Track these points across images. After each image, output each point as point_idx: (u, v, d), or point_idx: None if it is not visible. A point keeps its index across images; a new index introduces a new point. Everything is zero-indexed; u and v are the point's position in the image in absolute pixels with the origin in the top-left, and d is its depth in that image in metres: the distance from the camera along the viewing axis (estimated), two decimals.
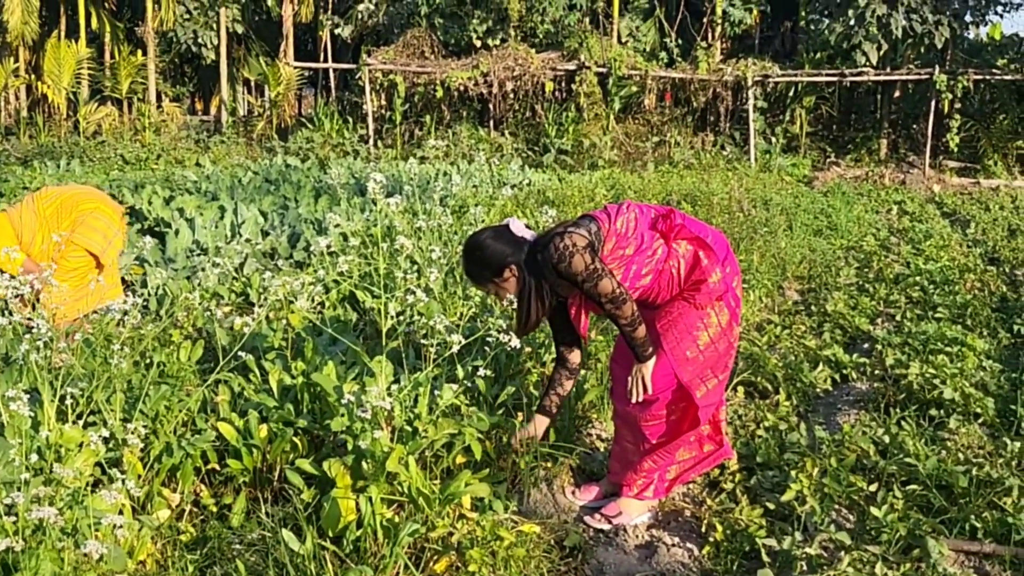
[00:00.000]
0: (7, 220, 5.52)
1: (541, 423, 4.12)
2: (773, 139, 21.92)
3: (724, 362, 3.90)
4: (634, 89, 22.74)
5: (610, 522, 4.00)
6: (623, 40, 24.18)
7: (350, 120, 23.62)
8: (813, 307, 8.14)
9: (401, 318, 5.44)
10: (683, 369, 3.78)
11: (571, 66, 22.58)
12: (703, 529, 4.06)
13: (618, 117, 22.68)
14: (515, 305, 3.86)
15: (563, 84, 23.41)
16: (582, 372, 5.05)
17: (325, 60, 29.66)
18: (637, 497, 4.06)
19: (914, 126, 23.65)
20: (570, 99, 22.82)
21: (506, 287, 3.74)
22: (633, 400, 3.85)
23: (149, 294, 6.82)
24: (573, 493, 4.23)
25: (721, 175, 16.13)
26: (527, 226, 3.85)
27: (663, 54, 24.09)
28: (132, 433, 3.53)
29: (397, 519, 3.45)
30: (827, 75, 21.80)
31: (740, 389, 5.80)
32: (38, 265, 5.28)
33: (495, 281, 3.74)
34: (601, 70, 22.36)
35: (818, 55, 22.62)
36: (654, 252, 3.72)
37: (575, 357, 4.12)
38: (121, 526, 2.94)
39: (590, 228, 3.66)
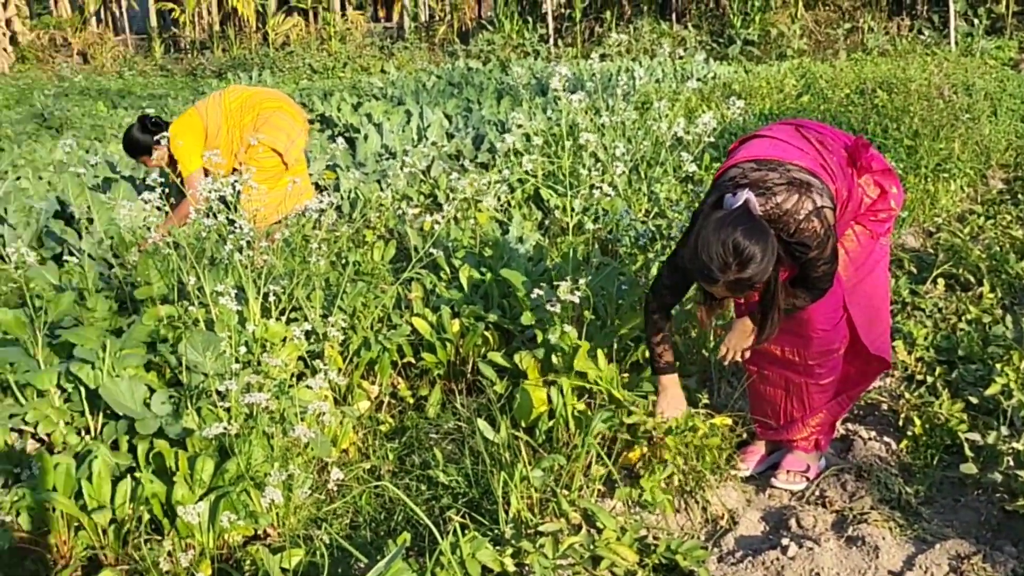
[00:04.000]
0: (195, 112, 5.79)
1: (673, 383, 3.43)
2: (975, 21, 20.53)
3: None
4: None
5: (806, 479, 3.57)
6: None
7: (530, 20, 23.46)
8: (1020, 196, 7.68)
9: (586, 215, 5.44)
10: (858, 307, 3.36)
11: None
12: (900, 423, 3.94)
13: (807, 4, 21.72)
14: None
15: None
16: None
17: None
18: (816, 449, 3.63)
19: None
20: None
21: (761, 286, 3.02)
22: (725, 363, 3.42)
23: (342, 197, 7.02)
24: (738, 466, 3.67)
25: (919, 61, 15.25)
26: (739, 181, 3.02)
27: None
28: (332, 327, 3.68)
29: (588, 410, 3.49)
30: None
31: (940, 281, 5.56)
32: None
33: (758, 288, 3.00)
34: None
35: None
36: (853, 196, 3.26)
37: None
38: (325, 413, 3.08)
39: (824, 190, 2.97)
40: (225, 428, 2.84)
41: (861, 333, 3.39)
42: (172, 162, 5.73)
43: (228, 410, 3.15)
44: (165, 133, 5.06)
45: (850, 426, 3.99)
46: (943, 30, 20.48)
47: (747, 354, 3.35)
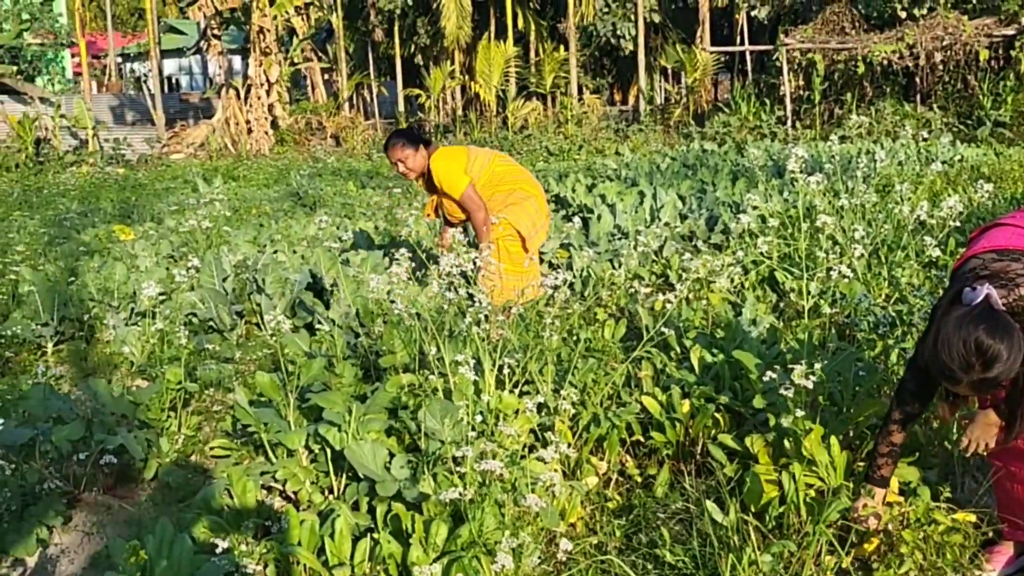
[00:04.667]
0: (466, 152, 6.12)
1: (879, 497, 3.29)
2: None
3: None
4: None
5: None
6: None
7: (767, 102, 23.31)
8: None
9: (822, 299, 5.33)
10: None
11: (1010, 31, 20.81)
12: None
13: None
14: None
15: (1000, 51, 21.60)
16: None
17: (741, 43, 29.48)
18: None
19: None
20: (1008, 67, 21.02)
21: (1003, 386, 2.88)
22: (967, 455, 3.21)
23: (575, 275, 7.16)
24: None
25: None
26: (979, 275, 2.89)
27: None
28: (563, 401, 3.75)
29: (821, 498, 3.40)
30: None
31: None
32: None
33: (1003, 387, 2.86)
34: None
35: None
36: None
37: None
38: (556, 485, 3.14)
39: None
40: (460, 494, 2.94)
41: None
42: (424, 178, 6.07)
43: (463, 476, 3.26)
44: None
45: None
46: None
47: (991, 446, 3.18)
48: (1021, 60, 20.48)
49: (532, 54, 32.48)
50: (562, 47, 31.16)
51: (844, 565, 3.22)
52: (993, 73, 21.38)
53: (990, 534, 3.47)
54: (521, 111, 27.98)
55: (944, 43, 21.14)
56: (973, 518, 3.34)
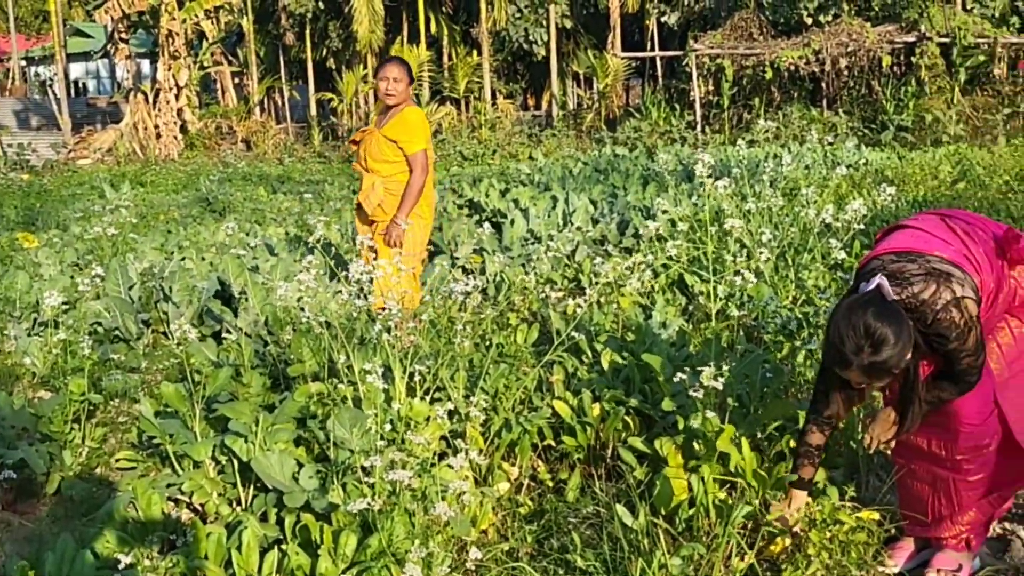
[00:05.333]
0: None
1: (800, 498, 3.32)
2: None
3: None
4: (982, 58, 21.20)
5: None
6: (968, 7, 22.55)
7: (677, 107, 23.61)
8: None
9: (730, 301, 5.40)
10: (1011, 402, 3.21)
11: (910, 38, 21.41)
12: None
13: (963, 89, 21.22)
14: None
15: (901, 57, 22.21)
16: None
17: (652, 49, 29.81)
18: (968, 548, 3.43)
19: None
20: (909, 73, 21.61)
21: (896, 377, 2.95)
22: (870, 452, 3.31)
23: (488, 280, 7.15)
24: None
25: None
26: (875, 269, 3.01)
27: (1014, 19, 22.23)
28: (474, 408, 3.73)
29: (730, 500, 3.43)
30: None
31: None
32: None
33: (894, 374, 2.88)
34: (944, 40, 21.03)
35: None
36: (1004, 290, 3.15)
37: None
38: (466, 493, 3.12)
39: (965, 281, 2.91)
40: (369, 504, 2.91)
41: (1015, 430, 3.25)
42: (384, 113, 6.02)
43: (372, 486, 3.22)
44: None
45: (1007, 525, 3.80)
46: None
47: (892, 444, 3.25)
48: (921, 66, 21.06)
49: (445, 59, 32.45)
50: (475, 52, 31.20)
51: (752, 566, 3.25)
52: (895, 79, 21.95)
53: (893, 531, 3.54)
54: (435, 115, 27.89)
55: (849, 49, 21.65)
56: (877, 516, 3.41)
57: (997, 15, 22.40)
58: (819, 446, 3.29)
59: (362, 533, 3.14)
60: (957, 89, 20.96)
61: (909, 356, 2.83)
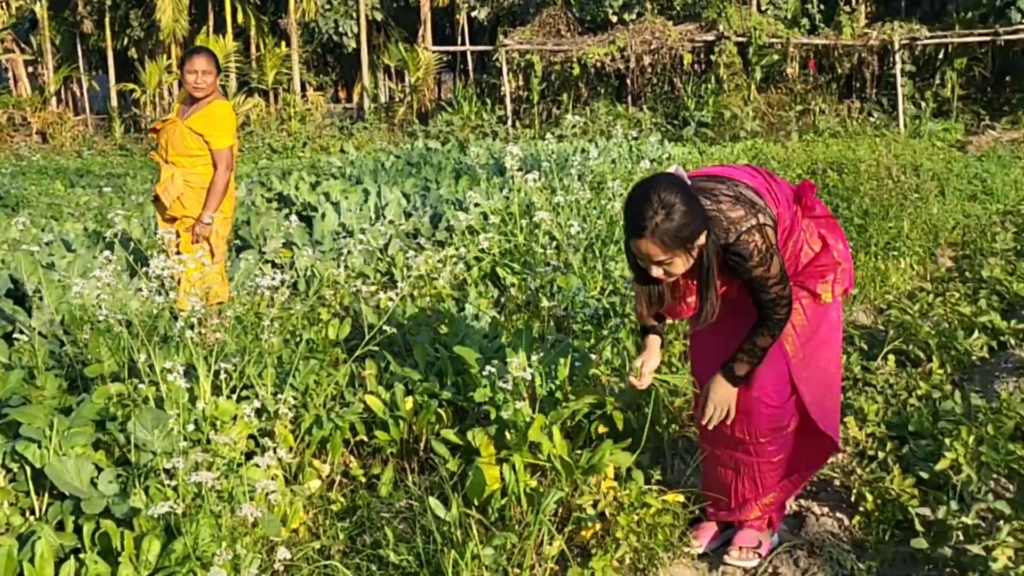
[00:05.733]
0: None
1: (654, 343, 3.42)
2: (923, 104, 21.05)
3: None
4: (775, 58, 22.20)
5: (759, 555, 3.54)
6: (763, 8, 23.57)
7: (488, 102, 23.78)
8: (967, 273, 7.82)
9: (541, 292, 5.48)
10: (807, 383, 3.38)
11: (710, 37, 22.22)
12: (853, 499, 3.96)
13: (759, 87, 22.19)
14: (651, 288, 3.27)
15: (702, 56, 23.04)
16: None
17: (463, 43, 29.94)
18: (769, 528, 3.62)
19: None
20: (709, 71, 22.44)
21: (688, 259, 2.98)
22: (710, 427, 3.38)
23: (298, 275, 7.02)
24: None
25: (868, 142, 15.65)
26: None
27: (805, 20, 23.38)
28: (283, 405, 3.65)
29: (541, 488, 3.47)
30: (979, 35, 20.81)
31: (891, 358, 5.63)
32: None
33: (687, 248, 2.94)
34: (741, 40, 21.93)
35: (969, 14, 21.59)
36: (795, 237, 3.30)
37: None
38: (274, 492, 3.05)
39: (766, 211, 3.07)
40: (171, 507, 2.80)
41: (812, 411, 3.41)
42: (189, 103, 5.83)
43: (176, 489, 3.11)
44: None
45: (803, 502, 4.00)
46: (892, 112, 21.00)
47: (732, 414, 3.34)
48: (720, 64, 21.89)
49: (253, 49, 31.64)
50: (284, 43, 30.58)
51: (563, 551, 3.31)
52: (696, 76, 22.74)
53: (697, 512, 3.66)
54: (243, 107, 27.17)
55: (652, 47, 22.29)
56: (682, 498, 3.52)
57: (789, 16, 23.50)
58: (652, 318, 3.40)
59: (166, 538, 3.03)
60: (753, 87, 21.90)
61: (702, 239, 2.96)
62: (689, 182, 3.02)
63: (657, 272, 3.01)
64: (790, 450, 3.48)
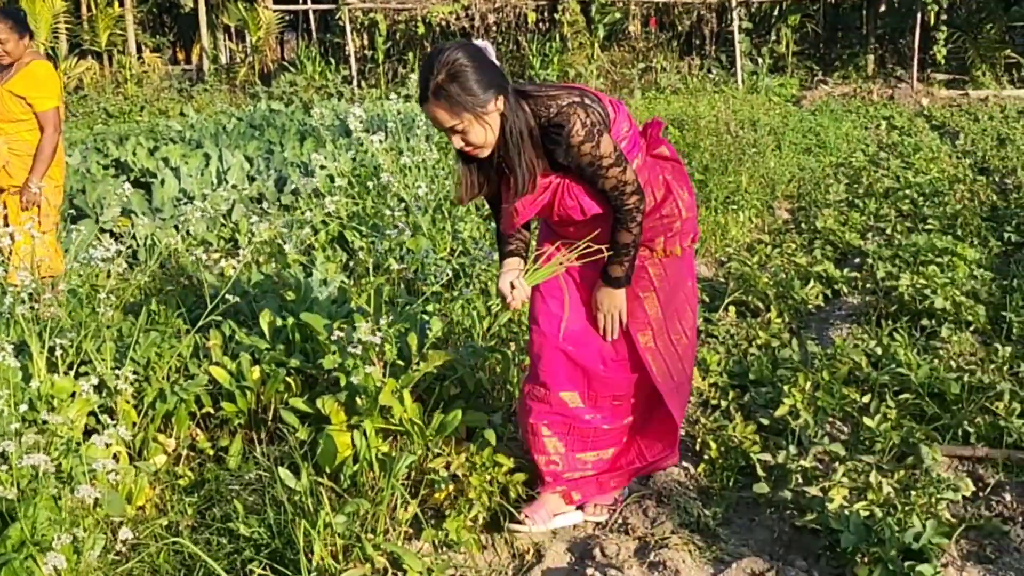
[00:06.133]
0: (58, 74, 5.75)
1: (511, 267, 3.30)
2: (759, 60, 21.66)
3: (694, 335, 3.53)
4: (618, 16, 22.46)
5: (611, 510, 3.59)
6: None
7: (332, 62, 23.35)
8: (803, 225, 8.12)
9: (390, 255, 5.43)
10: (659, 354, 3.33)
11: None
12: (697, 447, 4.08)
13: (603, 45, 22.42)
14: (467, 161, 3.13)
15: (546, 14, 23.11)
16: None
17: (305, 2, 29.27)
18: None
19: (901, 40, 23.36)
20: (554, 29, 22.56)
21: (483, 124, 2.90)
22: (609, 338, 3.29)
23: (138, 244, 6.79)
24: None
25: (708, 99, 15.99)
26: None
27: None
28: (123, 380, 3.53)
29: (393, 452, 3.46)
30: None
31: (732, 309, 5.81)
32: None
33: (477, 111, 2.86)
34: None
35: None
36: (631, 146, 3.17)
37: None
38: (114, 470, 2.95)
39: (600, 111, 3.01)
40: (3, 492, 2.68)
41: (658, 382, 3.35)
42: (14, 67, 5.55)
43: (10, 472, 2.98)
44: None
45: None
46: (730, 69, 21.53)
47: (624, 320, 3.27)
48: (564, 23, 22.02)
49: (84, 9, 30.25)
50: (117, 3, 29.33)
51: (417, 515, 3.31)
52: (541, 35, 22.83)
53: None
54: (75, 70, 25.93)
55: (496, 5, 22.26)
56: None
57: None
58: (503, 225, 3.28)
59: (2, 524, 2.90)
60: (596, 45, 22.12)
61: (498, 104, 2.90)
62: (492, 53, 2.98)
63: (457, 142, 2.95)
64: (627, 415, 3.47)
